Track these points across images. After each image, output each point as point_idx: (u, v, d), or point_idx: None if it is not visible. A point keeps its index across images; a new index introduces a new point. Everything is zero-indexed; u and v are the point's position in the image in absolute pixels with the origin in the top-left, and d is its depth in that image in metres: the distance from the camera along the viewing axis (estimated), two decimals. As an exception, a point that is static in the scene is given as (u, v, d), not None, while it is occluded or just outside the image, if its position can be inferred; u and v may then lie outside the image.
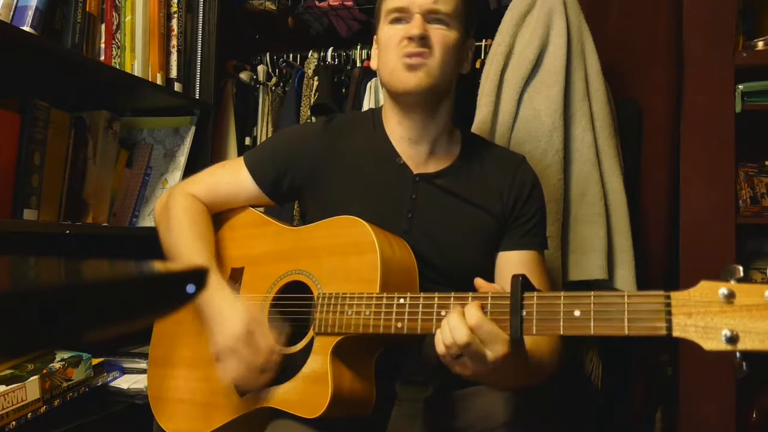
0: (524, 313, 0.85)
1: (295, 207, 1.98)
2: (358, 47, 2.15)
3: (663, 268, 1.74)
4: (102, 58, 1.63)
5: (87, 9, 1.55)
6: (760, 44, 1.72)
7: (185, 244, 1.19)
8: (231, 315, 1.07)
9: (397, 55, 1.14)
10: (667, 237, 1.75)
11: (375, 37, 1.25)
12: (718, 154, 1.69)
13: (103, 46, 1.64)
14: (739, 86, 1.69)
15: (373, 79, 2.03)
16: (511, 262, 1.16)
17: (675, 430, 1.74)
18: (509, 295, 0.87)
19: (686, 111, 1.74)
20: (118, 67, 1.67)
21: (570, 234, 1.63)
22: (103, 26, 1.64)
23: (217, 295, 1.10)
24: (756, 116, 1.70)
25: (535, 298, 0.85)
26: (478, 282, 0.94)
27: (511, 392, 1.05)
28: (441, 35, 1.14)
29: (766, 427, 1.67)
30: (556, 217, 1.57)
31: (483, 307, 0.88)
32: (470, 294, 0.92)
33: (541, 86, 1.61)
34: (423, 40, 1.12)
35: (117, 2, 1.67)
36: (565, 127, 1.60)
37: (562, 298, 0.84)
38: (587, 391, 1.64)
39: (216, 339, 1.07)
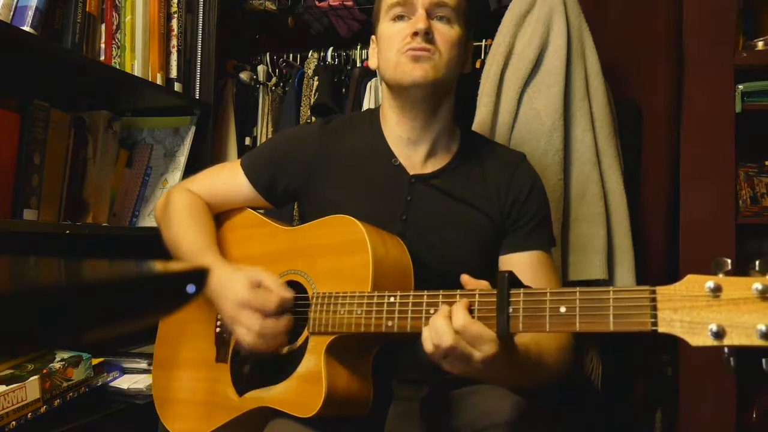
0: (511, 310, 0.84)
1: (295, 208, 1.98)
2: (358, 47, 2.14)
3: (663, 268, 1.74)
4: (102, 58, 1.63)
5: (87, 9, 1.55)
6: (760, 44, 1.72)
7: (185, 234, 1.20)
8: (232, 279, 1.07)
9: (399, 50, 1.12)
10: (667, 237, 1.75)
11: (373, 36, 1.25)
12: (718, 154, 1.69)
13: (103, 46, 1.64)
14: (739, 86, 1.69)
15: (373, 79, 2.03)
16: (516, 265, 1.13)
17: (675, 430, 1.74)
18: (496, 292, 0.86)
19: (686, 111, 1.74)
20: (118, 67, 1.66)
21: (570, 234, 1.63)
22: (103, 26, 1.64)
23: (219, 270, 1.10)
24: (756, 116, 1.70)
25: (521, 294, 0.85)
26: (464, 279, 0.94)
27: (516, 390, 1.04)
28: (445, 32, 1.13)
29: (766, 427, 1.67)
30: (556, 217, 1.57)
31: (470, 305, 0.88)
32: (458, 292, 0.91)
33: (541, 86, 1.61)
34: (428, 35, 1.11)
35: (117, 2, 1.67)
36: (565, 127, 1.60)
37: (548, 294, 0.83)
38: (587, 391, 1.64)
39: (225, 307, 1.07)
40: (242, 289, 1.05)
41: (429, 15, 1.13)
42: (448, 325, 0.86)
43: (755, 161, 1.80)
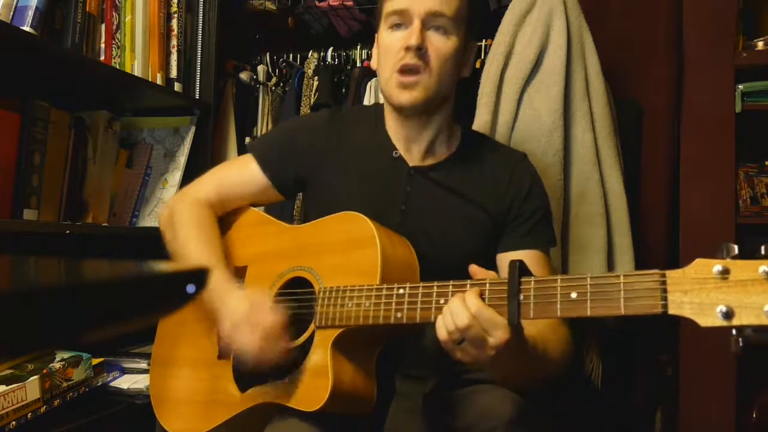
0: (521, 297, 0.86)
1: (295, 207, 1.98)
2: (358, 47, 2.14)
3: (663, 268, 1.73)
4: (102, 58, 1.63)
5: (87, 9, 1.55)
6: (760, 44, 1.72)
7: (192, 251, 1.20)
8: (234, 298, 1.08)
9: (393, 66, 1.14)
10: (667, 237, 1.75)
11: (376, 35, 1.25)
12: (718, 154, 1.69)
13: (103, 46, 1.64)
14: (739, 86, 1.69)
15: (373, 79, 2.03)
16: None
17: (675, 430, 1.74)
18: (507, 280, 0.87)
19: (686, 111, 1.74)
20: (118, 67, 1.67)
21: (570, 234, 1.63)
22: (103, 26, 1.64)
23: (224, 290, 1.11)
24: (756, 116, 1.70)
25: (532, 282, 0.86)
26: (473, 268, 0.95)
27: (521, 390, 1.05)
28: (439, 45, 1.13)
29: (766, 427, 1.67)
30: (556, 217, 1.57)
31: (481, 294, 0.89)
32: (468, 282, 0.93)
33: (541, 86, 1.61)
34: (420, 51, 1.11)
35: (117, 2, 1.67)
36: (565, 127, 1.60)
37: (558, 281, 0.85)
38: (587, 391, 1.64)
39: (225, 324, 1.08)
40: (239, 312, 1.06)
41: (425, 25, 1.13)
42: (464, 306, 0.87)
43: (755, 161, 1.80)
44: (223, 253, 1.22)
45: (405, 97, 1.13)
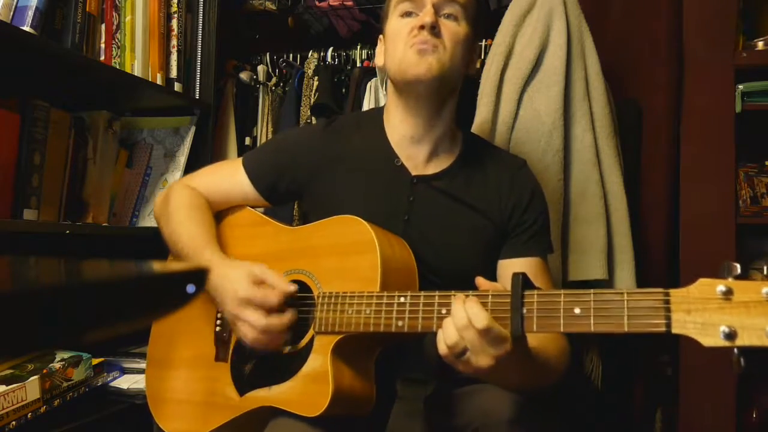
0: (525, 310, 0.86)
1: (295, 208, 1.98)
2: (358, 47, 2.15)
3: (663, 269, 1.74)
4: (102, 58, 1.63)
5: (87, 9, 1.55)
6: (760, 44, 1.72)
7: (185, 230, 1.19)
8: (233, 275, 1.06)
9: (405, 45, 1.13)
10: (667, 237, 1.75)
11: (381, 35, 1.25)
12: (718, 154, 1.69)
13: (103, 46, 1.64)
14: (739, 86, 1.69)
15: (373, 79, 2.03)
16: (515, 270, 1.15)
17: (675, 430, 1.74)
18: (510, 293, 0.87)
19: (686, 111, 1.74)
20: (118, 67, 1.66)
21: (570, 234, 1.63)
22: (103, 26, 1.64)
23: (219, 266, 1.09)
24: (756, 116, 1.70)
25: (535, 296, 0.86)
26: (479, 280, 0.95)
27: (519, 393, 1.05)
28: (452, 28, 1.13)
29: (766, 427, 1.67)
30: (556, 218, 1.57)
31: (484, 306, 0.89)
32: (471, 293, 0.92)
33: (541, 86, 1.61)
34: (434, 29, 1.11)
35: (117, 2, 1.67)
36: (565, 127, 1.60)
37: (562, 296, 0.85)
38: (587, 391, 1.64)
39: (226, 304, 1.06)
40: (243, 286, 1.04)
41: (437, 12, 1.13)
42: (467, 323, 0.86)
43: (755, 161, 1.80)
44: (216, 235, 1.21)
45: (423, 67, 1.10)
